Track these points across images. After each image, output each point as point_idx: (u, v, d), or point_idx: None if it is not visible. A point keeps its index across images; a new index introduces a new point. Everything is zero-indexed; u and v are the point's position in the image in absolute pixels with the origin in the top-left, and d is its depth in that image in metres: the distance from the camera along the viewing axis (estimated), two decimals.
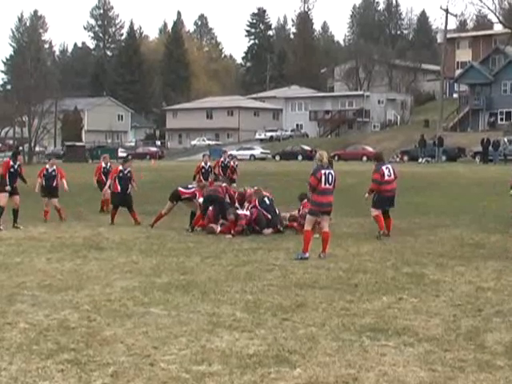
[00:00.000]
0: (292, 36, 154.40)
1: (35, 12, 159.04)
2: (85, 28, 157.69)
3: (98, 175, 23.70)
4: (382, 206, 16.58)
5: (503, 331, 8.35)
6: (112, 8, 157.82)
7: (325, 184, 13.60)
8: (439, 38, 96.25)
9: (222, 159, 26.52)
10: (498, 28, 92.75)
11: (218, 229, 17.57)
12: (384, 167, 16.73)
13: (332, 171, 13.90)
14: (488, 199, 25.82)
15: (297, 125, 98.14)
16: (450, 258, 13.39)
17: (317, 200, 13.72)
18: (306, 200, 16.97)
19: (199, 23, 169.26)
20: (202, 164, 23.22)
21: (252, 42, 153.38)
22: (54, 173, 20.88)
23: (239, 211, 17.54)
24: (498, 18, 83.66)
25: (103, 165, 23.86)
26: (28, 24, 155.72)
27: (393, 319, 8.89)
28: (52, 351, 7.64)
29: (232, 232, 17.00)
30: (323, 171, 13.67)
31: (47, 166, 21.22)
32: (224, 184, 18.62)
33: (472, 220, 19.73)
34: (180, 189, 18.86)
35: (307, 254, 13.47)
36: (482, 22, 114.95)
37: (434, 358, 7.37)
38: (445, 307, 9.55)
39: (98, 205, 23.72)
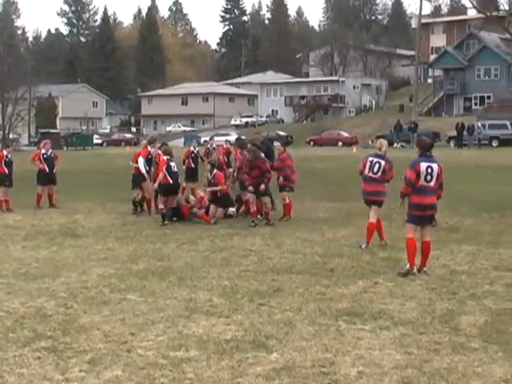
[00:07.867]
0: (267, 21, 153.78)
1: None
2: (58, 14, 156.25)
3: (187, 162, 21.42)
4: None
5: (477, 314, 8.46)
6: None
7: (368, 172, 12.84)
8: (414, 24, 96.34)
9: (208, 146, 26.22)
10: (472, 13, 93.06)
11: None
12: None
13: (381, 160, 12.78)
14: (462, 183, 25.98)
15: (272, 110, 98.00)
16: None
17: (362, 187, 13.08)
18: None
19: (174, 9, 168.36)
20: (191, 149, 23.14)
21: (227, 27, 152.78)
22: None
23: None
24: (471, 3, 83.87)
25: (192, 149, 21.82)
26: (0, 10, 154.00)
27: (369, 303, 8.97)
28: (29, 339, 7.63)
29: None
30: (370, 158, 12.88)
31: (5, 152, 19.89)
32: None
33: (446, 204, 19.78)
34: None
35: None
36: (457, 7, 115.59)
37: (409, 341, 7.45)
38: (420, 291, 9.64)
39: (76, 192, 23.53)
